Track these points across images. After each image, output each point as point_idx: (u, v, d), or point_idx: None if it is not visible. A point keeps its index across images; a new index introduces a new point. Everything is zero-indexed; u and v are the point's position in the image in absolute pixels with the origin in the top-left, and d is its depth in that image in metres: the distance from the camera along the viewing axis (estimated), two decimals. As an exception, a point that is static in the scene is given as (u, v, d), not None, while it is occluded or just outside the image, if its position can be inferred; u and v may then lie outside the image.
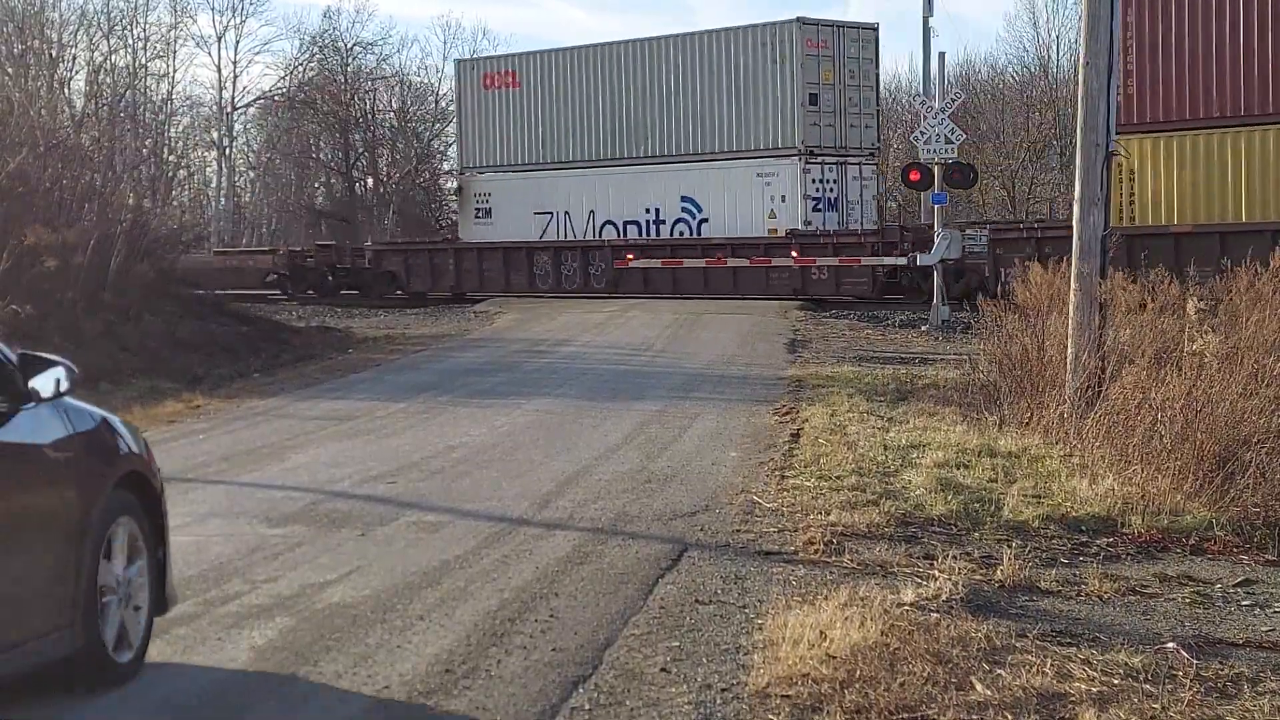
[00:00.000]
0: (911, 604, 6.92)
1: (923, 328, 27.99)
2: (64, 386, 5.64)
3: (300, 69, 65.32)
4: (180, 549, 7.36)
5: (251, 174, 70.01)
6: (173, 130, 55.12)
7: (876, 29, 35.97)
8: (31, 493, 5.46)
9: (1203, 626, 6.84)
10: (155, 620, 6.18)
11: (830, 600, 6.89)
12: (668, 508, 9.85)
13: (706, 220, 35.23)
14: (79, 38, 51.25)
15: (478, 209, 39.56)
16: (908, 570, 7.83)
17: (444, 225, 57.10)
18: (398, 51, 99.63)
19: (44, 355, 5.81)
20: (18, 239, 20.64)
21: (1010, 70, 60.35)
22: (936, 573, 7.62)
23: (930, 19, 37.71)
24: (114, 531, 5.82)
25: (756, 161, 34.45)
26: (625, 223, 36.51)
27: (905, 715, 5.31)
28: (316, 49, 65.38)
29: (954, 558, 8.03)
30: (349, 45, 65.00)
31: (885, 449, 12.18)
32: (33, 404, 5.54)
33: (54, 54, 47.65)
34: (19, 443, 5.43)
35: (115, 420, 6.19)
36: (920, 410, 14.79)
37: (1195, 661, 6.10)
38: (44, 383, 5.57)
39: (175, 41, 60.22)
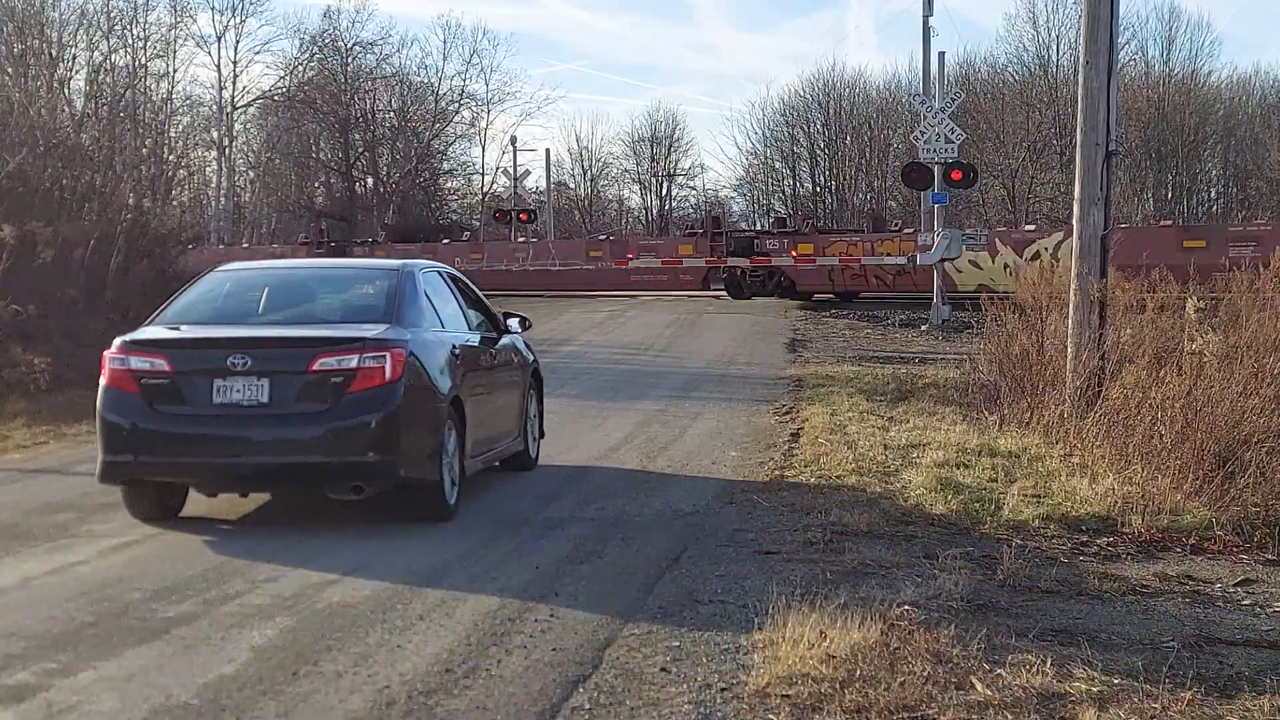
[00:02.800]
0: (911, 603, 6.91)
1: (922, 327, 28.03)
2: (520, 328, 11.50)
3: (300, 69, 65.39)
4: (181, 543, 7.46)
5: (251, 174, 70.05)
6: (173, 130, 55.10)
7: None
8: (509, 374, 11.16)
9: (1203, 626, 6.84)
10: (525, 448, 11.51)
11: (830, 600, 6.88)
12: (668, 507, 9.85)
13: None
14: (79, 38, 51.24)
15: None
16: (908, 570, 7.83)
17: (443, 225, 57.13)
18: (398, 51, 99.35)
19: (512, 312, 11.83)
20: (16, 237, 20.64)
21: (1010, 70, 60.40)
22: (936, 572, 7.63)
23: (930, 19, 37.78)
24: (530, 396, 11.63)
25: None
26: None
27: (905, 715, 5.31)
28: (316, 49, 65.46)
29: (954, 557, 8.03)
30: (349, 45, 65.06)
31: (885, 448, 12.19)
32: (507, 336, 11.23)
33: (54, 54, 47.62)
34: (505, 348, 11.10)
35: (527, 344, 11.84)
36: (920, 410, 14.81)
37: (1195, 661, 6.10)
38: (512, 324, 11.39)
39: (175, 41, 60.32)
